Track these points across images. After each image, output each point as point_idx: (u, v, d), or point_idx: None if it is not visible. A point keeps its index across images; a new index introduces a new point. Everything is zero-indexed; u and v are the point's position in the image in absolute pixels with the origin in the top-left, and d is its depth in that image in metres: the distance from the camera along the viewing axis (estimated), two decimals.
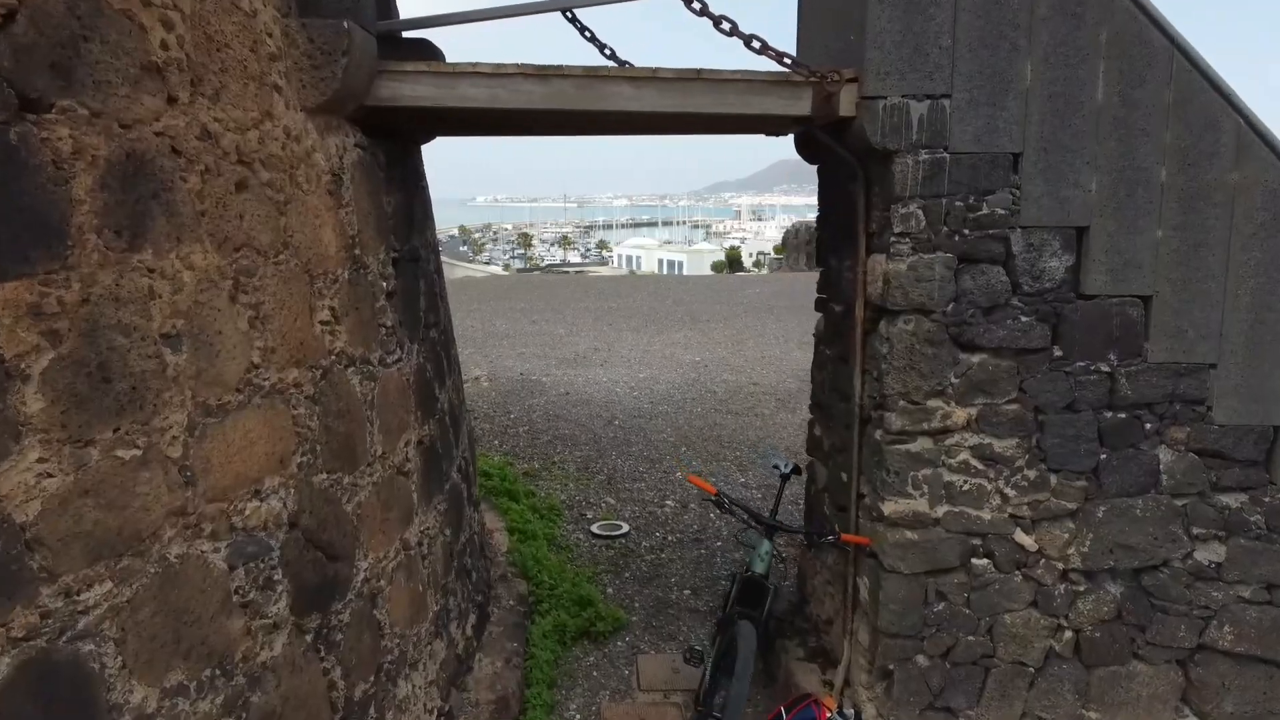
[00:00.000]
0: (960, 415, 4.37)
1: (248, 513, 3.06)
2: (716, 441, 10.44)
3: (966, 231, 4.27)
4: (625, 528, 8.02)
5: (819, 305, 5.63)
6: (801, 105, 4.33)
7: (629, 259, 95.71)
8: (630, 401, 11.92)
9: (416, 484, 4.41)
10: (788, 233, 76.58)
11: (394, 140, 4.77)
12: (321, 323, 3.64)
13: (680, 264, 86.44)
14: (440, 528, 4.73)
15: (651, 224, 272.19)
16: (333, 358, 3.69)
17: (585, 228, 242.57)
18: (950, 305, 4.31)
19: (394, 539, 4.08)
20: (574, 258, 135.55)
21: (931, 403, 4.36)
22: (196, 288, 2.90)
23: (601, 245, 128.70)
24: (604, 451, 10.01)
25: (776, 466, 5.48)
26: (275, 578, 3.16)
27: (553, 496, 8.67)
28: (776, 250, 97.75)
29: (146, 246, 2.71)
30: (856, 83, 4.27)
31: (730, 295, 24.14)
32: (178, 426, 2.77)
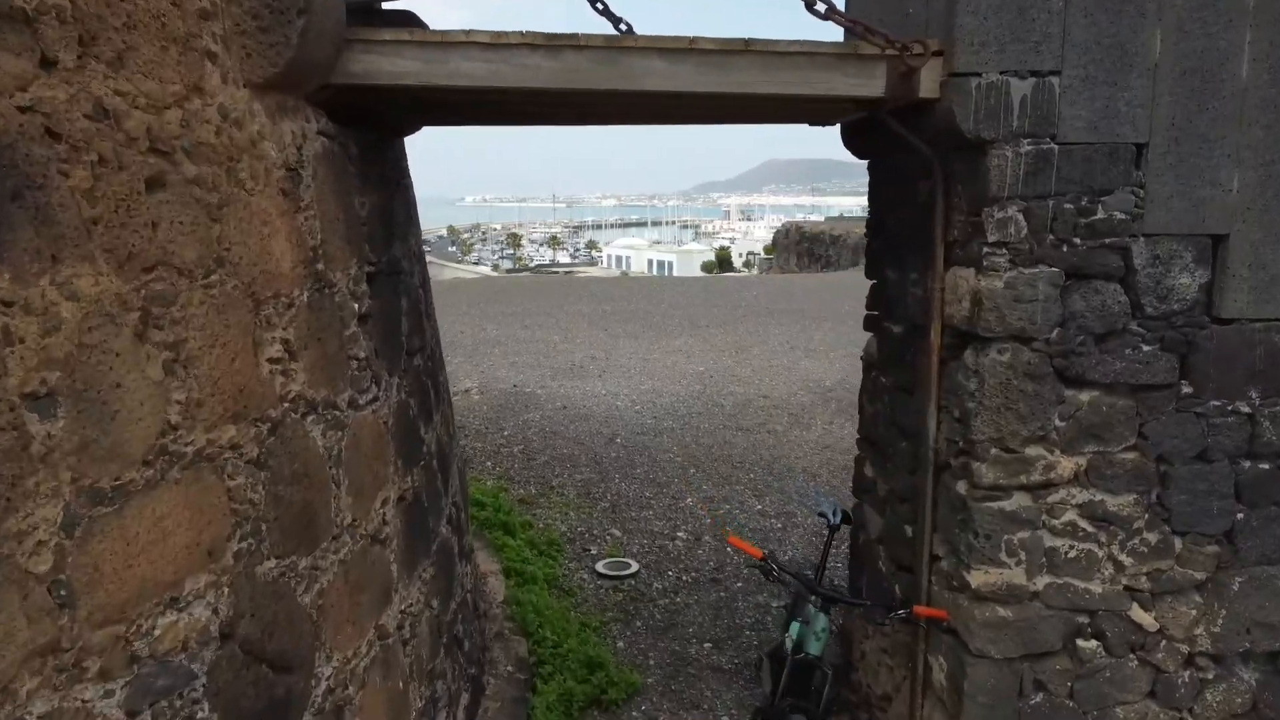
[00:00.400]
0: (1066, 466, 3.56)
1: (159, 632, 2.22)
2: (727, 462, 9.62)
3: (1077, 241, 3.46)
4: (634, 566, 7.19)
5: (870, 324, 4.81)
6: (873, 84, 3.50)
7: (619, 259, 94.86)
8: (632, 417, 11.08)
9: (396, 552, 3.57)
10: (778, 233, 75.85)
11: (370, 129, 3.92)
12: (271, 361, 2.80)
13: (670, 264, 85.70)
14: (426, 600, 3.89)
15: (641, 224, 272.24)
16: (286, 405, 2.85)
17: (574, 228, 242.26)
18: (1055, 331, 3.50)
19: (367, 629, 3.24)
20: (563, 258, 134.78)
21: (1031, 450, 3.55)
22: (82, 325, 2.05)
23: (591, 245, 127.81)
24: (606, 474, 9.18)
25: (824, 515, 4.65)
26: (199, 715, 2.32)
27: (552, 528, 7.83)
28: (767, 250, 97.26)
29: (1, 270, 1.87)
30: (942, 56, 3.45)
31: (727, 298, 23.33)
32: (47, 527, 1.93)
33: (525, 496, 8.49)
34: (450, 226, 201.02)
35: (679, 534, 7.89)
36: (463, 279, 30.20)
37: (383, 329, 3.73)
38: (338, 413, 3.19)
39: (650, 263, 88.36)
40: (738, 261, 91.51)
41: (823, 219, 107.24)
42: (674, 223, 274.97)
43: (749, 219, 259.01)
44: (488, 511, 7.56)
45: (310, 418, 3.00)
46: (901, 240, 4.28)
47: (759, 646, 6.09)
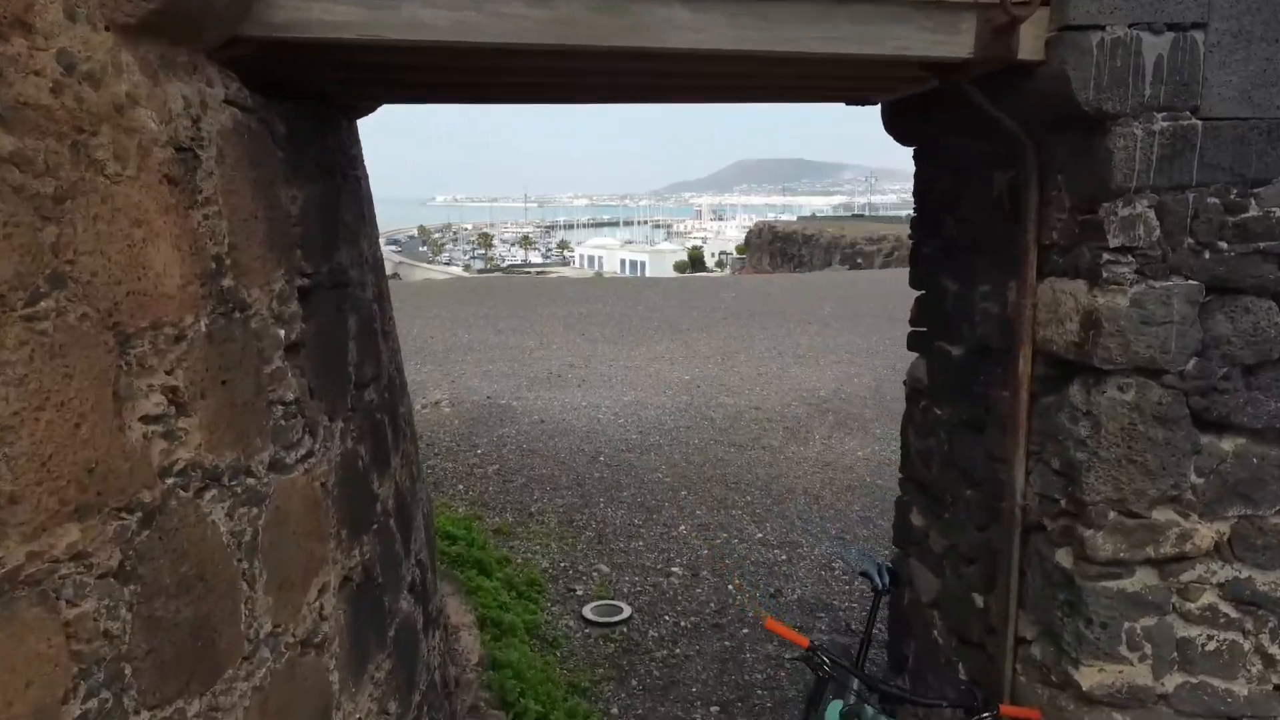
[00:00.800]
0: (1204, 535, 2.78)
1: None
2: (721, 483, 8.81)
3: (1223, 245, 2.68)
4: (626, 610, 6.37)
5: (918, 344, 4.02)
6: (957, 42, 2.70)
7: (591, 259, 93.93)
8: (616, 431, 10.25)
9: (339, 656, 2.72)
10: (750, 233, 75.26)
11: (307, 104, 3.07)
12: (146, 420, 1.94)
13: (643, 264, 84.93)
14: (381, 706, 3.04)
15: (613, 224, 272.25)
16: (170, 482, 2.00)
17: (546, 227, 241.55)
18: (1192, 362, 2.71)
19: None
20: (535, 258, 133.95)
21: (1160, 515, 2.76)
22: None
23: (563, 246, 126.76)
24: (590, 498, 8.34)
25: (867, 576, 3.84)
26: None
27: (532, 564, 6.99)
28: (739, 250, 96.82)
29: None
30: (1049, 5, 2.65)
31: (705, 299, 22.54)
32: None
33: (501, 526, 7.64)
34: (421, 226, 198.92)
35: (674, 568, 7.07)
36: (434, 280, 29.39)
37: (321, 359, 2.87)
38: (253, 480, 2.33)
39: (623, 263, 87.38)
40: (710, 261, 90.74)
41: (794, 219, 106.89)
42: (646, 222, 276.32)
43: (721, 219, 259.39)
44: (459, 546, 6.71)
45: (209, 494, 2.14)
46: (967, 244, 3.48)
47: (774, 711, 5.29)
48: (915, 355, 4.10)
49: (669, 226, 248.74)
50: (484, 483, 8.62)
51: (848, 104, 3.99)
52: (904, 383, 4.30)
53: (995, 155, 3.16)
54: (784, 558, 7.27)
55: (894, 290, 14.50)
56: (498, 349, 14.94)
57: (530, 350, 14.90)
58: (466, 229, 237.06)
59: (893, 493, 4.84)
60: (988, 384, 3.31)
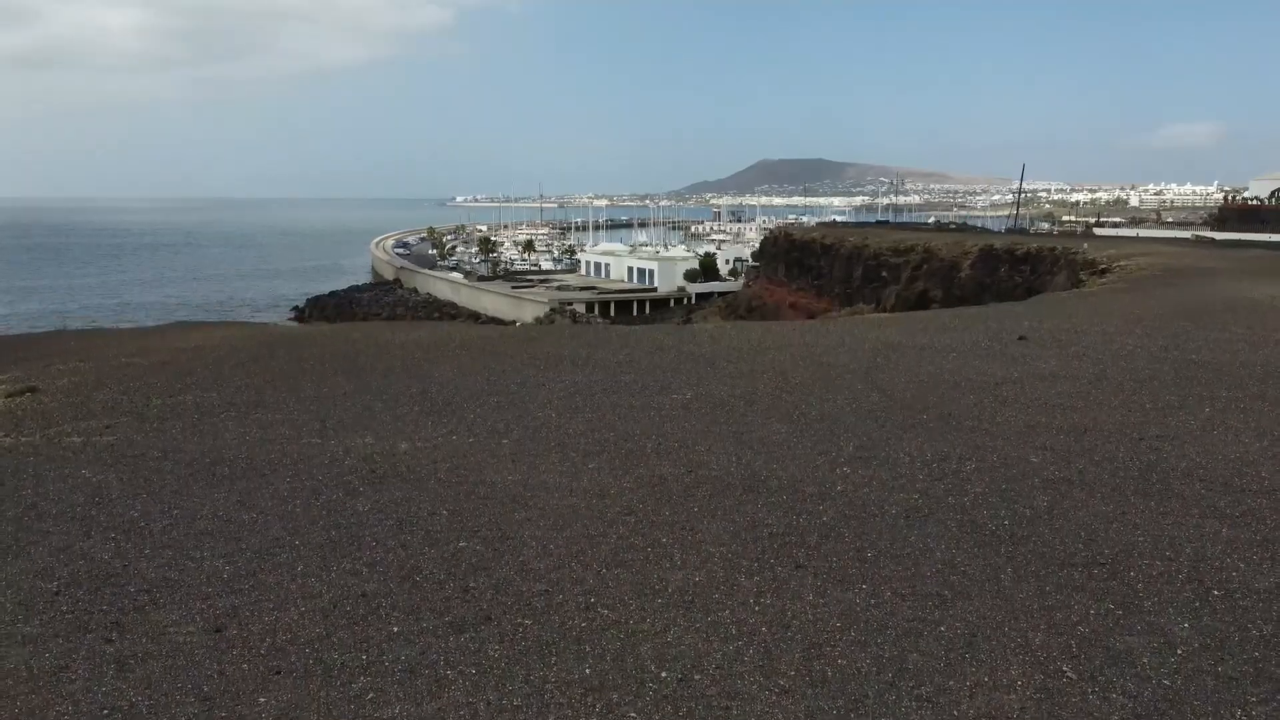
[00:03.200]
0: None
1: None
2: None
3: None
4: None
5: None
6: None
7: (598, 266, 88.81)
8: None
9: None
10: (766, 240, 69.87)
11: None
12: None
13: (651, 272, 79.79)
14: None
15: (628, 225, 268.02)
16: None
17: (561, 229, 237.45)
18: None
19: None
20: (546, 263, 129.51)
21: None
22: None
23: (571, 250, 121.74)
24: None
25: None
26: None
27: None
28: (754, 257, 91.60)
29: None
30: None
31: (775, 401, 9.49)
32: None
33: None
34: (431, 228, 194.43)
35: None
36: (290, 330, 24.05)
37: None
38: None
39: (630, 270, 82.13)
40: (723, 268, 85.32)
41: (814, 222, 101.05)
42: (664, 224, 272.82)
43: (740, 220, 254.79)
44: None
45: None
46: None
47: None
48: None
49: (687, 228, 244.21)
50: None
51: None
52: None
53: None
54: None
55: (952, 374, 8.98)
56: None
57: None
58: (481, 229, 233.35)
59: None
60: None
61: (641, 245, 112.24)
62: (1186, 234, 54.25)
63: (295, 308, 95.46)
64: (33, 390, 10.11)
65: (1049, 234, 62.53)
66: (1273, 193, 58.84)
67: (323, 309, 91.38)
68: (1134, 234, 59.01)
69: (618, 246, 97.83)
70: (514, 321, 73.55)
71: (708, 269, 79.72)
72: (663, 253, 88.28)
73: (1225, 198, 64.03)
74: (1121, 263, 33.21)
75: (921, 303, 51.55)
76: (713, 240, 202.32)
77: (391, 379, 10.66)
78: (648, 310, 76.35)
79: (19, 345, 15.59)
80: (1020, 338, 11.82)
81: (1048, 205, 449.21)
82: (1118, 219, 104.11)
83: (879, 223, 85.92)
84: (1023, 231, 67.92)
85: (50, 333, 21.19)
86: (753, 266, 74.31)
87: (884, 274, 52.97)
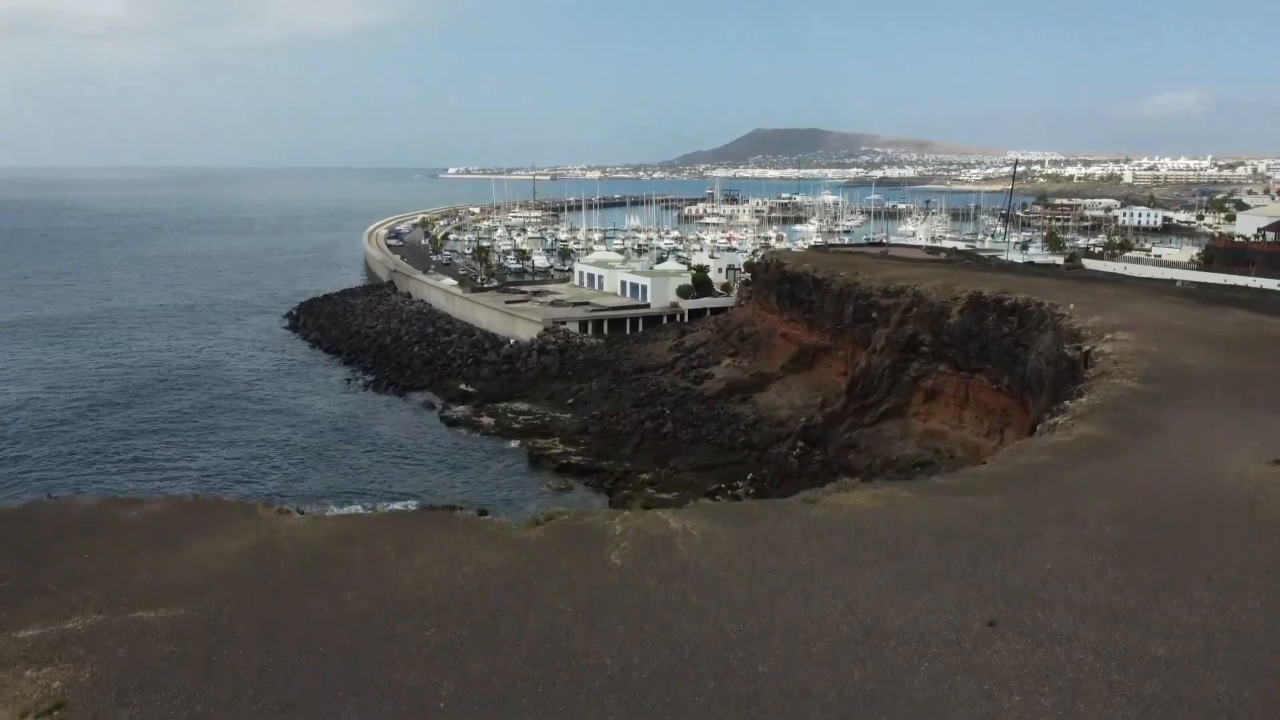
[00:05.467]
0: None
1: None
2: None
3: None
4: None
5: None
6: None
7: (591, 278, 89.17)
8: None
9: None
10: (757, 266, 69.85)
11: None
12: None
13: (644, 288, 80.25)
14: None
15: (621, 204, 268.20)
16: None
17: (554, 211, 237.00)
18: None
19: None
20: (538, 258, 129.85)
21: None
22: None
23: (565, 253, 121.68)
24: None
25: None
26: None
27: None
28: (748, 267, 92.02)
29: None
30: None
31: None
32: None
33: None
34: (424, 218, 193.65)
35: None
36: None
37: None
38: None
39: (623, 285, 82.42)
40: (716, 278, 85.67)
41: (804, 246, 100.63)
42: (656, 202, 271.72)
43: (734, 200, 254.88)
44: None
45: None
46: None
47: None
48: None
49: (680, 209, 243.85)
50: None
51: None
52: None
53: None
54: None
55: None
56: None
57: None
58: (474, 211, 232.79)
59: None
60: None
61: (635, 252, 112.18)
62: (1175, 276, 55.06)
63: (288, 314, 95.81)
64: (60, 707, 10.45)
65: (1041, 225, 62.79)
66: (1259, 230, 59.54)
67: (316, 316, 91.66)
68: (1123, 269, 59.67)
69: (611, 257, 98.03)
70: (509, 339, 73.96)
71: (700, 285, 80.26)
72: (656, 266, 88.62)
73: (1213, 235, 64.72)
74: (1101, 347, 33.92)
75: (912, 346, 52.30)
76: (705, 224, 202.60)
77: None
78: (640, 328, 76.95)
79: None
80: (990, 623, 12.40)
81: (1041, 180, 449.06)
82: (1098, 246, 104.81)
83: (870, 243, 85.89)
84: (1016, 220, 68.02)
85: (29, 512, 16.37)
86: (745, 282, 74.80)
87: (874, 315, 53.62)
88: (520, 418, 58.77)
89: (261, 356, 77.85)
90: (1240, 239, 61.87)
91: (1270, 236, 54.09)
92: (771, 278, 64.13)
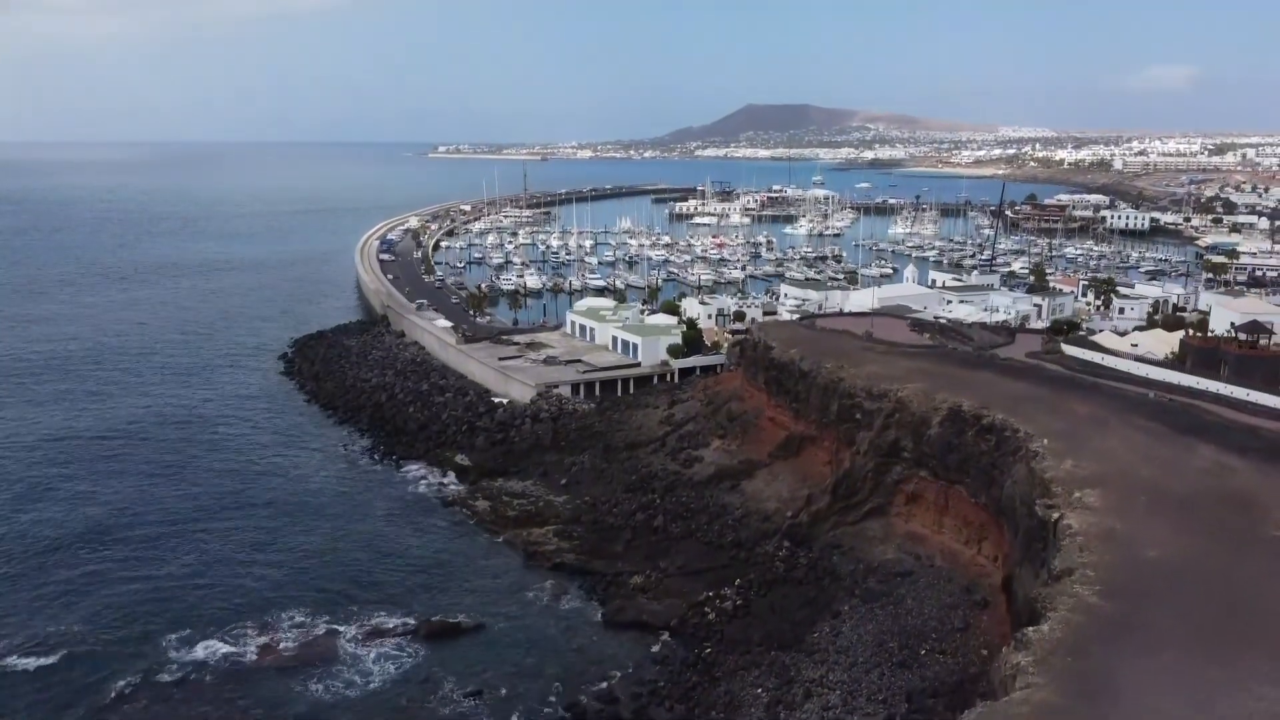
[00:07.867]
0: None
1: None
2: None
3: None
4: None
5: None
6: None
7: (582, 329, 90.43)
8: None
9: None
10: (746, 344, 70.84)
11: None
12: None
13: (635, 346, 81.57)
14: None
15: (615, 195, 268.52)
16: None
17: (545, 209, 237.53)
18: None
19: None
20: (532, 280, 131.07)
21: None
22: None
23: (557, 289, 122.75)
24: None
25: None
26: None
27: None
28: (738, 316, 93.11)
29: None
30: None
31: None
32: None
33: None
34: (414, 231, 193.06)
35: None
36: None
37: None
38: None
39: (614, 341, 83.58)
40: (707, 329, 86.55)
41: (801, 301, 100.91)
42: (647, 192, 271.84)
43: (726, 196, 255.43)
44: None
45: None
46: None
47: None
48: None
49: (671, 207, 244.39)
50: None
51: None
52: None
53: None
54: None
55: None
56: None
57: None
58: (464, 209, 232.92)
59: None
60: None
61: (626, 264, 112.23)
62: (1149, 374, 56.74)
63: (283, 357, 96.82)
64: None
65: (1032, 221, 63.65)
66: (1233, 325, 61.10)
67: (311, 362, 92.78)
68: (1100, 359, 61.19)
69: (603, 305, 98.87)
70: (503, 400, 75.26)
71: (691, 342, 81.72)
72: (647, 321, 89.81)
73: (1186, 332, 66.21)
74: (1069, 519, 35.60)
75: (894, 451, 53.81)
76: (696, 225, 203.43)
77: None
78: (632, 389, 78.44)
79: None
80: None
81: (1032, 164, 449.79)
82: (1082, 295, 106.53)
83: (853, 314, 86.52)
84: (1008, 218, 68.36)
85: None
86: (734, 344, 76.11)
87: (858, 415, 55.19)
88: (515, 502, 60.34)
89: (259, 416, 78.97)
90: (1213, 334, 63.60)
91: (1243, 337, 55.80)
92: (760, 359, 65.60)
